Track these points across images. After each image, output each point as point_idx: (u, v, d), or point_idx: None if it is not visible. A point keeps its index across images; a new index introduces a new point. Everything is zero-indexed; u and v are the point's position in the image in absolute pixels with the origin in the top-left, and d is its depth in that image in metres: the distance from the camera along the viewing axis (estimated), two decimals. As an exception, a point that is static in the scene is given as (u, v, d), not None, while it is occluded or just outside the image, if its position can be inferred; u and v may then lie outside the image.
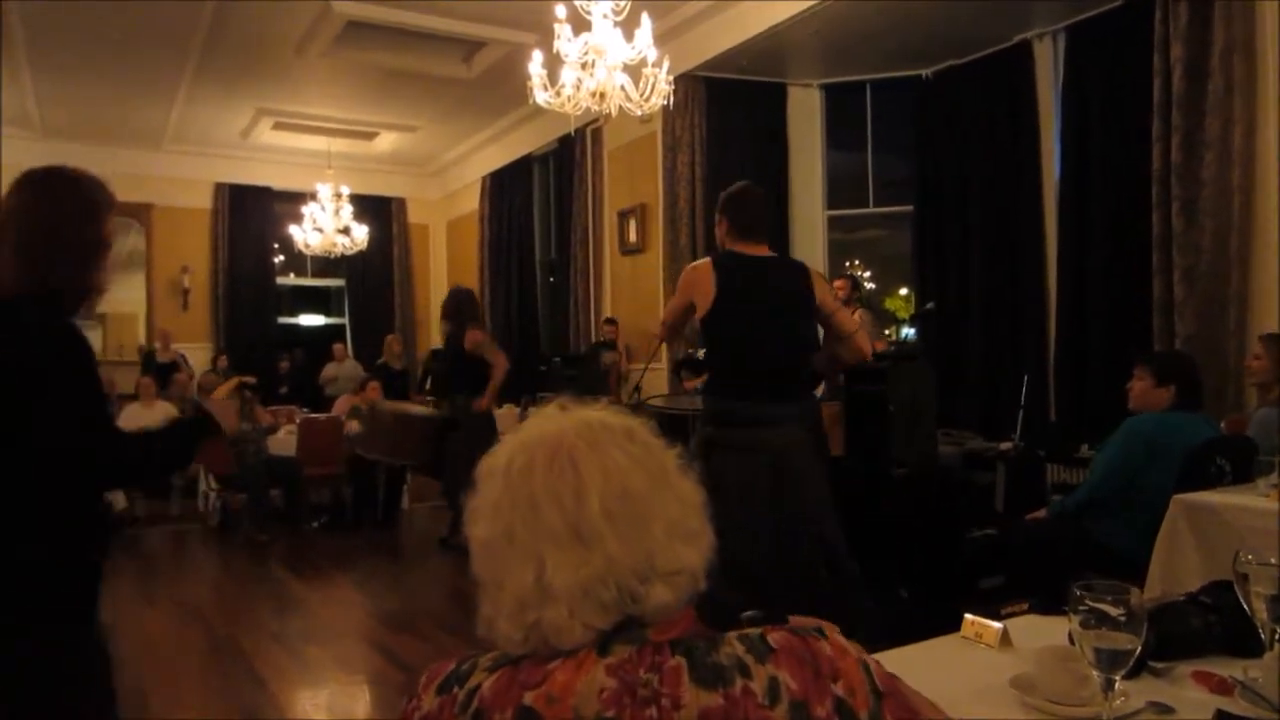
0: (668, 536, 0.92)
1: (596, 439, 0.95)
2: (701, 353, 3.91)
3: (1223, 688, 1.39)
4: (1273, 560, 1.34)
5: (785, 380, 3.54)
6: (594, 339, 8.98)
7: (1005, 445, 5.58)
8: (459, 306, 6.49)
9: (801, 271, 3.64)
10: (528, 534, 0.91)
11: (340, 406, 8.61)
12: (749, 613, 1.26)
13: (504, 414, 9.58)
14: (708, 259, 3.70)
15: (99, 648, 1.91)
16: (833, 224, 8.28)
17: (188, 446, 2.07)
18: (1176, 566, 2.96)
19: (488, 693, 0.90)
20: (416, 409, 6.85)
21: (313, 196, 10.48)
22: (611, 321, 8.79)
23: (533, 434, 0.97)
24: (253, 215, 12.05)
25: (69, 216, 1.84)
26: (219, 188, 11.90)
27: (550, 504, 0.91)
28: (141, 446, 1.94)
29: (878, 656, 1.55)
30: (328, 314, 13.57)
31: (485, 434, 6.45)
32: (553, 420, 0.99)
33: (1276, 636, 1.34)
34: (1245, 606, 1.37)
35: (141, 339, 11.54)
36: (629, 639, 0.90)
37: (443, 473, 6.55)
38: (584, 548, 0.89)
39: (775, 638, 0.91)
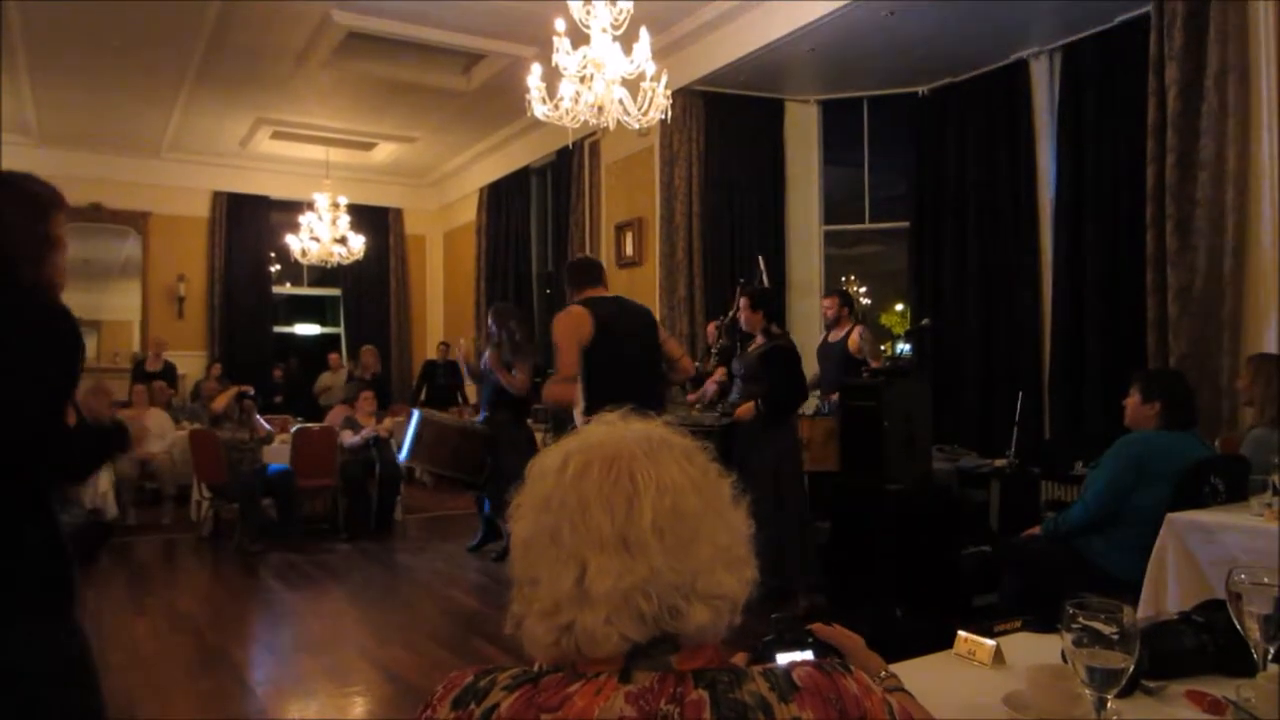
0: (712, 561, 0.91)
1: (656, 453, 0.94)
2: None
3: (1216, 707, 1.39)
4: (1266, 579, 1.34)
5: (651, 394, 4.26)
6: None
7: (999, 462, 5.59)
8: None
9: (647, 310, 4.58)
10: (574, 536, 0.90)
11: (333, 417, 8.60)
12: (776, 615, 1.24)
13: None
14: (577, 305, 4.36)
15: (74, 648, 1.89)
16: (829, 239, 8.30)
17: (101, 453, 2.07)
18: (1169, 585, 2.96)
19: (505, 714, 0.88)
20: (471, 423, 7.09)
21: (310, 206, 10.49)
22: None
23: (592, 438, 0.96)
24: (250, 224, 12.05)
25: (18, 216, 1.90)
26: (217, 196, 11.90)
27: (601, 509, 0.90)
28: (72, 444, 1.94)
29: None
30: (323, 323, 13.56)
31: (525, 448, 6.62)
32: (614, 427, 0.98)
33: (1270, 656, 1.34)
34: (1238, 626, 1.37)
35: (136, 347, 11.52)
36: (652, 665, 0.88)
37: (487, 487, 6.75)
38: (629, 557, 0.88)
39: (800, 674, 0.89)
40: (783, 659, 1.08)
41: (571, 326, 4.25)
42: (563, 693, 0.87)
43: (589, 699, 0.86)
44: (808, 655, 1.15)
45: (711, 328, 7.05)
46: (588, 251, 9.24)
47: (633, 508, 0.89)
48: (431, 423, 6.97)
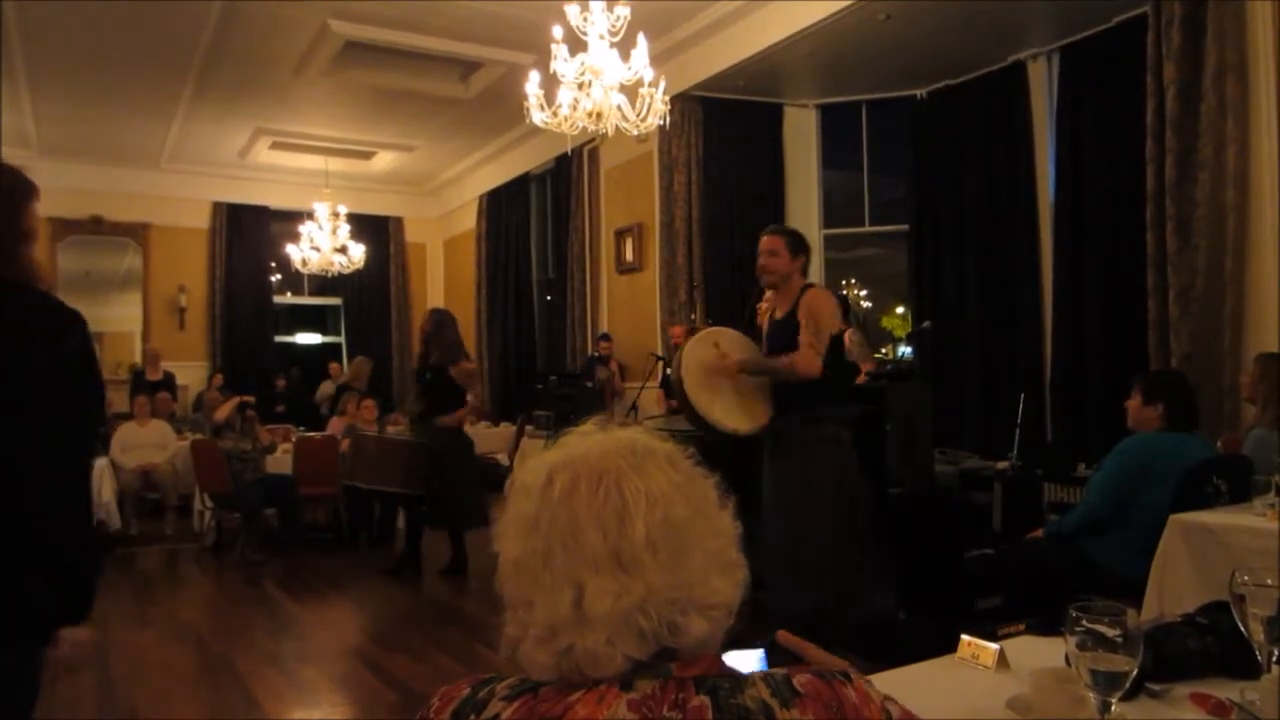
0: (706, 568, 0.91)
1: (642, 464, 0.92)
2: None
3: (1220, 710, 1.39)
4: (1269, 581, 1.33)
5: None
6: (590, 355, 9.00)
7: (1002, 465, 5.57)
8: (446, 333, 6.45)
9: None
10: (566, 557, 0.88)
11: (334, 426, 8.60)
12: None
13: (500, 432, 9.62)
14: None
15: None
16: (829, 243, 8.31)
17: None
18: (1173, 587, 2.95)
19: None
20: (401, 436, 6.71)
21: (310, 215, 10.51)
22: (606, 338, 8.81)
23: (574, 453, 0.94)
24: (250, 234, 12.07)
25: None
26: (217, 207, 11.93)
27: (593, 528, 0.88)
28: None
29: (874, 677, 1.55)
30: (324, 333, 13.57)
31: (467, 455, 6.45)
32: (595, 440, 0.96)
33: (1274, 658, 1.34)
34: (1242, 628, 1.36)
35: (138, 358, 11.54)
36: (653, 673, 0.88)
37: (435, 500, 6.37)
38: (625, 575, 0.87)
39: (800, 681, 0.89)
40: (731, 657, 1.07)
41: (834, 312, 3.98)
42: (564, 701, 0.86)
43: (591, 707, 0.85)
44: (759, 654, 1.15)
45: (680, 330, 7.08)
46: (587, 257, 9.25)
47: (624, 524, 0.88)
48: (371, 439, 6.59)
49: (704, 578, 0.90)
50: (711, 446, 4.68)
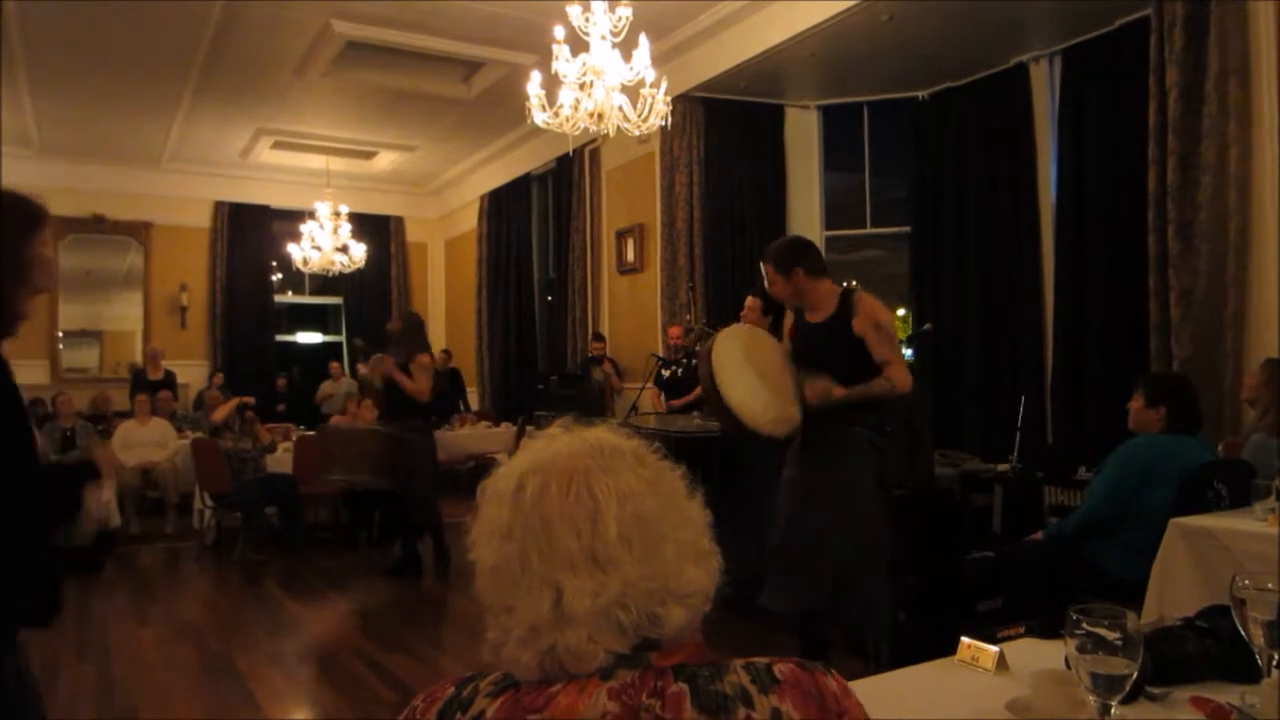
0: (679, 559, 0.92)
1: (610, 463, 0.94)
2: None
3: (1220, 713, 1.38)
4: (1270, 585, 1.33)
5: None
6: (586, 355, 9.01)
7: (1003, 467, 5.57)
8: (411, 332, 6.43)
9: None
10: (542, 560, 0.89)
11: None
12: None
13: (500, 432, 9.62)
14: None
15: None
16: (830, 245, 8.30)
17: (73, 491, 1.98)
18: (1174, 590, 2.94)
19: (492, 718, 0.89)
20: (368, 426, 6.63)
21: (311, 215, 10.52)
22: (599, 338, 8.82)
23: (543, 457, 0.96)
24: (251, 234, 12.09)
25: None
26: (218, 206, 11.94)
27: (566, 530, 0.89)
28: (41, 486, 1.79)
29: (874, 679, 1.56)
30: (325, 332, 13.58)
31: (432, 456, 6.43)
32: (561, 442, 0.97)
33: (1274, 662, 1.34)
34: (1242, 632, 1.36)
35: (139, 357, 11.54)
36: (633, 664, 0.89)
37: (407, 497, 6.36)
38: (601, 573, 0.88)
39: (781, 669, 0.90)
40: None
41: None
42: (546, 692, 0.88)
43: (573, 697, 0.87)
44: None
45: (677, 331, 7.05)
46: (589, 258, 9.25)
47: (597, 523, 0.90)
48: (339, 430, 6.49)
49: (678, 568, 0.92)
50: (686, 444, 4.69)
